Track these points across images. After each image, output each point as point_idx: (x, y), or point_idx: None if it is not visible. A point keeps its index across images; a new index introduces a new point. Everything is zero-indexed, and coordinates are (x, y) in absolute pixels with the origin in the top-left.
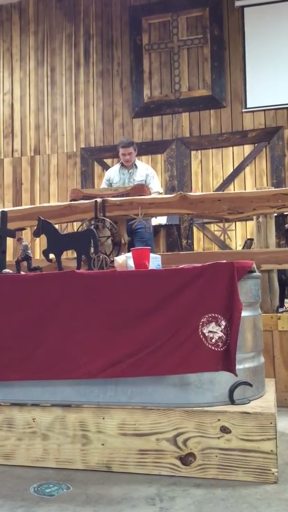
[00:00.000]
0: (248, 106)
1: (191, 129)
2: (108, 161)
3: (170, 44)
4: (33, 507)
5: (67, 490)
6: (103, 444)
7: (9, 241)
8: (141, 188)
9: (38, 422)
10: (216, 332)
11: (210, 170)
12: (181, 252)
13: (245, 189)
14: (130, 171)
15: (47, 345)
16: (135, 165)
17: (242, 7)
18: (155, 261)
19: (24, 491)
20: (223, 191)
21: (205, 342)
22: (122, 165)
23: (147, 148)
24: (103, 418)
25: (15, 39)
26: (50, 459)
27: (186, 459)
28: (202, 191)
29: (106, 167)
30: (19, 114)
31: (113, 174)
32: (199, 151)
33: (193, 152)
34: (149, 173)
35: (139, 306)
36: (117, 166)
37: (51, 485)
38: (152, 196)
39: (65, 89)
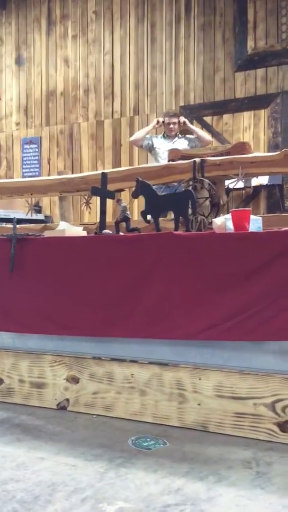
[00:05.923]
0: None
1: None
2: (207, 118)
3: None
4: (131, 459)
5: (163, 446)
6: (199, 404)
7: (109, 202)
8: (242, 146)
9: (136, 377)
10: None
11: None
12: (284, 214)
13: None
14: (174, 140)
15: (146, 305)
16: (178, 135)
17: None
18: (255, 223)
19: (122, 442)
20: None
21: None
22: (165, 134)
23: (249, 104)
24: (200, 379)
25: None
26: (147, 414)
27: (284, 426)
28: None
29: (205, 125)
30: (119, 74)
31: (157, 143)
32: None
33: None
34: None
35: (238, 269)
36: (159, 136)
37: (148, 439)
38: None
39: (165, 46)
